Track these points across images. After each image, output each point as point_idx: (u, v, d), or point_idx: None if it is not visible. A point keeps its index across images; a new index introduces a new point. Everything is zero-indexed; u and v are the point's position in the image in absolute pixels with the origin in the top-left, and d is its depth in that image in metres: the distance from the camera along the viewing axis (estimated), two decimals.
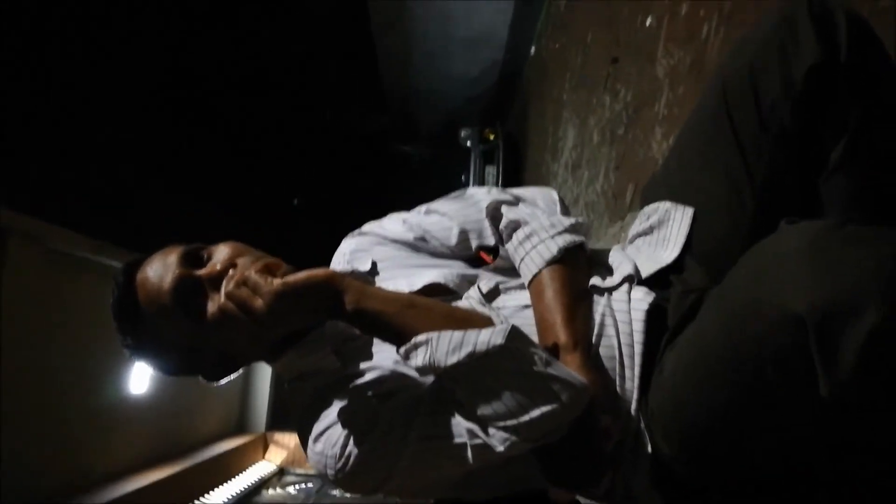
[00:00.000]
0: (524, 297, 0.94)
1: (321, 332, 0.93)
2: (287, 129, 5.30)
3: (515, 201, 1.02)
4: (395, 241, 1.05)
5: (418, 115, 5.98)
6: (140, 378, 5.06)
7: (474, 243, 1.03)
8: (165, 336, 0.89)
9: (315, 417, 0.85)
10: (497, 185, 5.41)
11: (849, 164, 0.80)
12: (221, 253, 0.90)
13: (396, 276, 0.99)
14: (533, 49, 4.85)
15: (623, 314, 0.88)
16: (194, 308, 0.86)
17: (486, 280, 0.94)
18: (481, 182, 5.47)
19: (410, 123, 5.99)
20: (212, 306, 0.86)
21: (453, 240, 1.02)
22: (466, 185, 5.73)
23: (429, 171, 6.27)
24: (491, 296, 0.90)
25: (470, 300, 0.87)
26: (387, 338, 0.80)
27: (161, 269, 0.88)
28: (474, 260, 1.04)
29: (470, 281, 0.96)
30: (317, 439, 0.84)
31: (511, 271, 1.00)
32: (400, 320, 0.77)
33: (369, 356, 0.91)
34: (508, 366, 0.72)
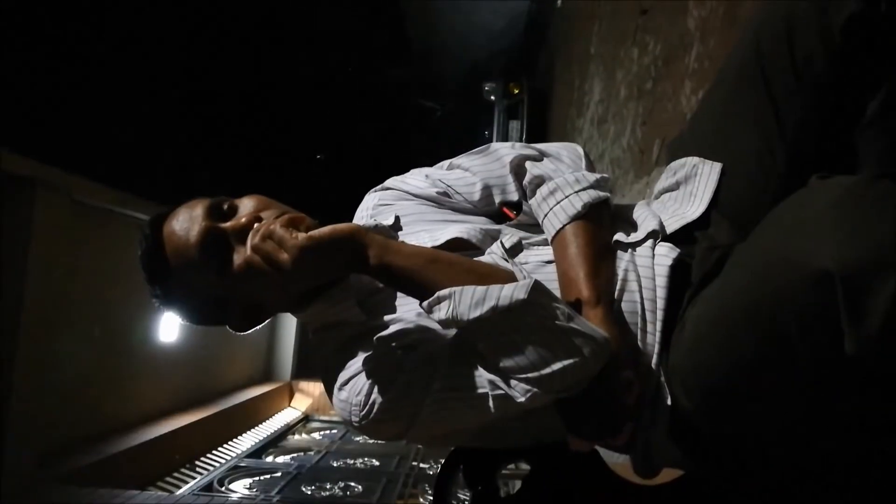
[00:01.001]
0: (547, 252, 0.94)
1: (345, 285, 0.93)
2: (311, 83, 5.27)
3: (540, 156, 1.00)
4: (418, 197, 1.05)
5: (442, 68, 5.89)
6: (169, 327, 5.22)
7: (497, 199, 1.02)
8: (192, 288, 0.90)
9: (340, 367, 0.87)
10: (521, 140, 5.35)
11: (885, 116, 0.77)
12: (246, 206, 0.91)
13: (419, 231, 0.99)
14: (560, 0, 4.72)
15: (646, 270, 0.87)
16: (220, 261, 0.87)
17: (509, 235, 0.94)
18: (505, 137, 5.42)
19: (434, 77, 5.91)
20: (237, 259, 0.86)
21: (476, 195, 1.02)
22: (490, 140, 5.67)
23: (452, 127, 6.21)
24: (514, 251, 0.90)
25: (492, 255, 0.87)
26: (410, 292, 0.81)
27: (187, 222, 0.89)
28: (497, 215, 1.04)
29: (493, 236, 0.96)
30: (342, 387, 0.85)
31: (534, 227, 0.99)
32: (423, 275, 0.78)
33: (393, 309, 0.92)
34: (531, 320, 0.72)
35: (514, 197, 1.01)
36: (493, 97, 5.46)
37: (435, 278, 0.77)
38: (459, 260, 0.81)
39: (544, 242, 0.96)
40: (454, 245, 0.92)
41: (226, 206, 0.91)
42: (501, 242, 0.87)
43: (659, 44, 2.39)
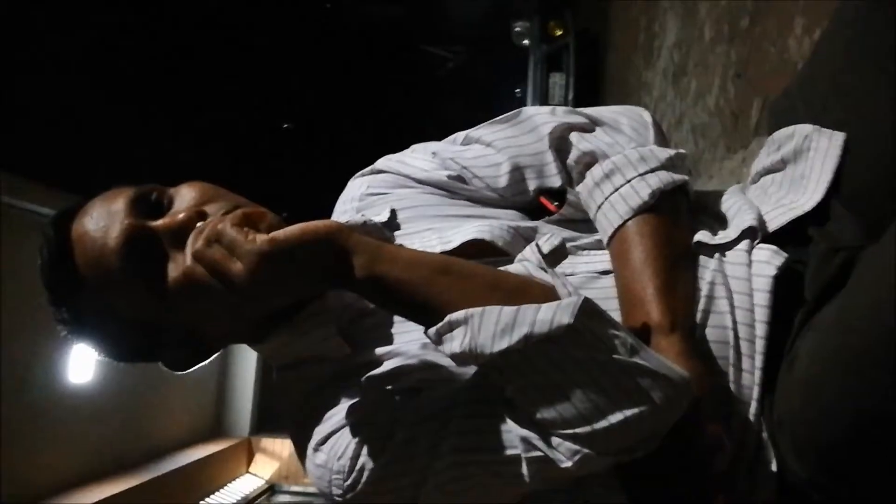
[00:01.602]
0: (601, 259, 0.94)
1: (322, 306, 0.94)
2: (272, 24, 5.29)
3: (591, 125, 1.00)
4: (423, 183, 1.05)
5: (454, 1, 5.90)
6: (82, 365, 5.24)
7: (532, 184, 1.03)
8: (112, 310, 0.91)
9: (316, 419, 0.87)
10: (565, 102, 5.35)
11: None
12: (185, 197, 0.91)
13: (424, 231, 0.99)
14: None
15: (741, 282, 0.87)
16: (150, 271, 0.87)
17: (549, 236, 0.94)
18: (544, 98, 5.42)
19: (441, 13, 5.91)
20: (174, 269, 0.87)
21: (503, 179, 1.02)
22: (523, 101, 5.67)
23: (468, 83, 6.21)
24: (555, 257, 0.90)
25: (525, 263, 0.87)
26: (410, 314, 0.81)
27: (105, 220, 0.90)
28: (532, 208, 1.04)
29: (526, 237, 0.96)
30: (318, 448, 0.86)
31: (583, 224, 0.99)
32: (428, 291, 0.77)
33: (387, 339, 0.93)
34: (579, 353, 0.72)
35: (556, 182, 1.01)
36: (525, 42, 5.46)
37: (445, 295, 0.77)
38: (479, 270, 0.81)
39: (598, 245, 0.96)
40: (473, 249, 0.92)
41: (157, 198, 0.92)
42: (537, 245, 0.87)
43: None
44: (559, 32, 5.39)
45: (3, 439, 4.51)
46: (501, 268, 0.85)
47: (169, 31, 4.46)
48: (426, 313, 0.77)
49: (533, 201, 1.04)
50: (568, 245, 0.93)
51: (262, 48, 5.11)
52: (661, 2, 3.67)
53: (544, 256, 0.84)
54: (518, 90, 5.55)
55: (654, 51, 3.80)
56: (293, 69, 5.37)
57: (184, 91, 4.70)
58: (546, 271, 0.81)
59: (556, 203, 1.01)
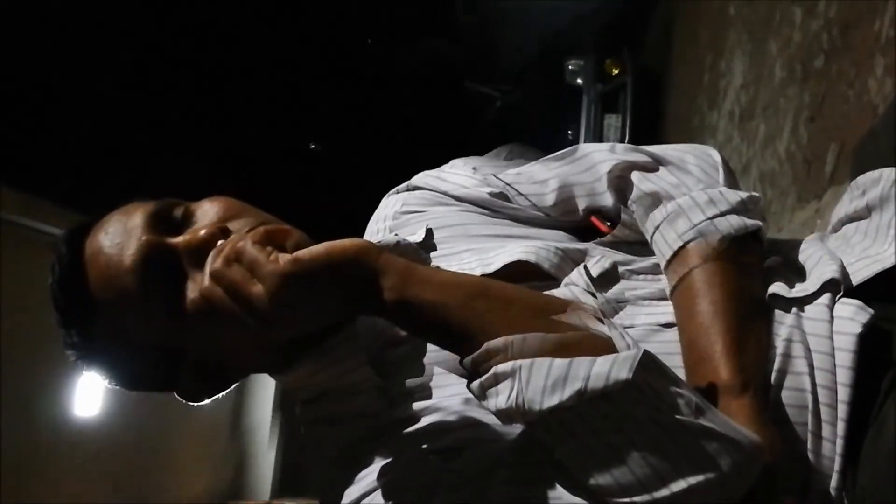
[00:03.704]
0: (664, 311, 0.93)
1: (350, 334, 0.93)
2: (313, 57, 5.39)
3: (654, 164, 1.00)
4: (462, 200, 1.06)
5: (503, 39, 5.97)
6: (90, 395, 5.25)
7: (582, 203, 1.03)
8: (125, 331, 0.91)
9: (347, 480, 0.87)
10: (623, 142, 5.36)
11: None
12: (208, 213, 0.92)
13: (463, 251, 0.99)
14: None
15: (822, 340, 0.86)
16: (167, 292, 0.88)
17: (598, 258, 0.93)
18: (598, 139, 5.43)
19: (489, 49, 5.98)
20: (192, 290, 0.87)
21: (550, 198, 1.03)
22: (575, 142, 5.69)
23: (516, 123, 6.25)
24: (604, 280, 0.89)
25: (572, 287, 0.86)
26: (444, 342, 0.81)
27: (120, 237, 0.90)
28: (582, 229, 1.04)
29: (574, 259, 0.95)
30: None
31: (639, 246, 0.99)
32: (463, 316, 0.77)
33: (425, 392, 0.92)
34: (637, 412, 0.71)
35: (608, 201, 1.01)
36: (579, 80, 5.48)
37: (482, 322, 0.76)
38: (521, 294, 0.81)
39: (655, 269, 0.96)
40: (515, 273, 0.92)
41: (178, 214, 0.93)
42: (585, 268, 0.86)
43: (834, 1, 2.38)
44: (616, 71, 5.42)
45: (3, 476, 4.48)
46: (546, 292, 0.85)
47: (203, 51, 4.56)
48: (461, 341, 0.77)
49: (583, 221, 1.04)
50: (620, 268, 0.93)
51: (300, 79, 5.20)
52: (729, 36, 3.69)
53: (593, 280, 0.83)
54: (570, 131, 5.57)
55: (719, 91, 3.80)
56: (333, 102, 5.45)
57: (212, 110, 4.78)
58: (602, 321, 0.79)
59: (608, 223, 1.01)
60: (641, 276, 0.96)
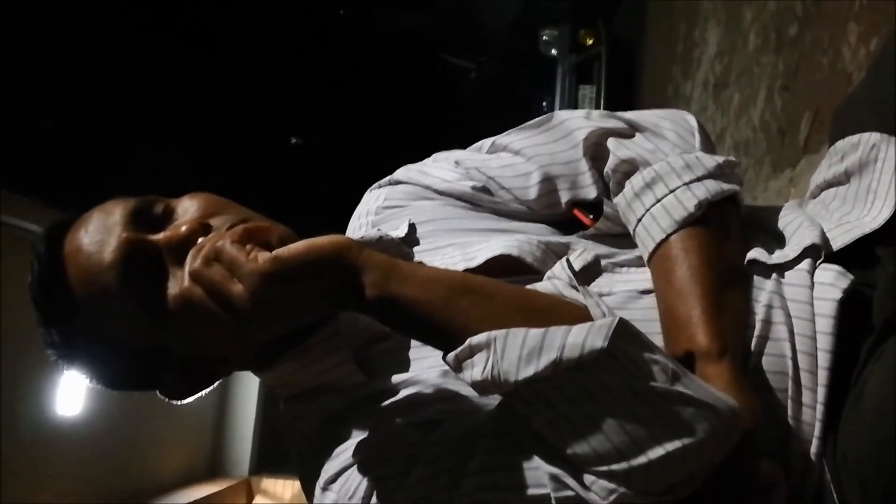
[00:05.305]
0: (642, 277, 0.93)
1: (333, 330, 0.94)
2: (284, 32, 5.35)
3: (630, 130, 1.00)
4: (445, 194, 1.06)
5: (477, 9, 5.94)
6: (72, 394, 5.27)
7: (565, 196, 1.03)
8: (106, 330, 0.90)
9: (325, 455, 0.87)
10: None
11: None
12: (189, 209, 0.91)
13: (446, 246, 0.99)
14: None
15: (801, 306, 0.86)
16: (148, 290, 0.87)
17: (581, 251, 0.93)
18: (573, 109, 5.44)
19: (463, 22, 5.96)
20: (173, 287, 0.87)
21: (533, 191, 1.03)
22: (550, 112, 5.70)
23: (491, 95, 6.25)
24: (587, 274, 0.89)
25: (554, 281, 0.86)
26: (427, 338, 0.81)
27: (100, 233, 0.90)
28: (565, 222, 1.04)
29: (557, 252, 0.95)
30: (327, 487, 0.85)
31: (621, 239, 0.99)
32: (446, 312, 0.77)
33: (403, 365, 0.92)
34: (613, 381, 0.71)
35: (591, 193, 1.01)
36: (553, 51, 5.49)
37: (465, 317, 0.76)
38: (504, 289, 0.81)
39: (638, 262, 0.95)
40: (499, 267, 0.92)
41: (158, 210, 0.92)
42: (568, 261, 0.86)
43: None
44: (590, 41, 5.43)
45: None
46: (529, 286, 0.85)
47: (173, 43, 4.53)
48: (444, 337, 0.77)
49: (566, 214, 1.03)
50: (603, 262, 0.93)
51: (271, 57, 5.17)
52: (703, 7, 3.69)
53: (575, 273, 0.83)
54: (545, 102, 5.58)
55: (693, 60, 3.82)
56: (308, 82, 5.43)
57: (189, 104, 4.77)
58: (577, 290, 0.80)
59: (591, 216, 1.01)
60: (625, 269, 0.96)
